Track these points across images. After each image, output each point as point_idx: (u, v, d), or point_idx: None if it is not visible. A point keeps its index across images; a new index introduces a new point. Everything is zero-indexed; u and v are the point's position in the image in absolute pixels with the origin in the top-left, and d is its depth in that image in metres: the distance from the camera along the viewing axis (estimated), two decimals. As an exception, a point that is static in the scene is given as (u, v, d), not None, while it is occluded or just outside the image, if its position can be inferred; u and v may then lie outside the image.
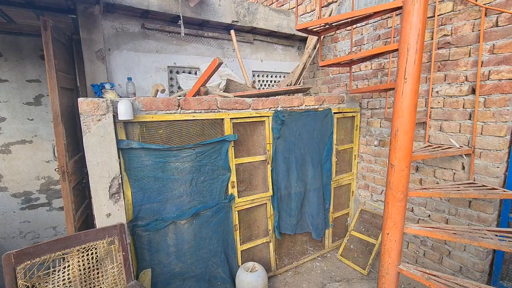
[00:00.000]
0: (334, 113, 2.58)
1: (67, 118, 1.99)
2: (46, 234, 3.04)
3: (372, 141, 2.80)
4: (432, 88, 2.23)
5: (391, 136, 1.63)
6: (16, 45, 2.65)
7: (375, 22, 2.65)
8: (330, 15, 2.98)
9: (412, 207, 2.48)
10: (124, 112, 1.55)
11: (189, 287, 2.01)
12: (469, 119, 2.04)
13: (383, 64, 2.63)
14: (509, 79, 1.80)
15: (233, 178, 2.11)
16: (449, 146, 2.14)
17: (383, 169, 2.73)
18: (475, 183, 1.98)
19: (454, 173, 2.16)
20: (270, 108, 2.21)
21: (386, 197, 1.71)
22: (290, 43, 3.49)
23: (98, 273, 1.55)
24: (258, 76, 3.41)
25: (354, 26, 2.77)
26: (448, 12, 2.09)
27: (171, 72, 2.78)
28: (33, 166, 2.87)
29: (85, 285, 1.50)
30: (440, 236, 1.65)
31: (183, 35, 2.55)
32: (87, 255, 1.51)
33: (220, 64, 1.97)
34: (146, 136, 1.75)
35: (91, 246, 1.53)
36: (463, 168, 2.10)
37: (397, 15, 2.39)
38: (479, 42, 1.92)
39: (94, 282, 1.53)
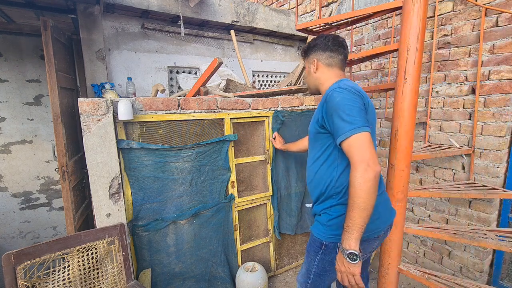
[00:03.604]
0: (334, 113, 2.58)
1: (67, 118, 1.99)
2: (46, 234, 3.04)
3: (372, 141, 2.80)
4: (432, 88, 2.23)
5: (391, 136, 1.64)
6: (16, 45, 2.65)
7: (375, 22, 2.65)
8: (330, 15, 2.98)
9: (412, 207, 2.48)
10: (124, 112, 1.55)
11: (189, 287, 2.01)
12: (469, 119, 2.04)
13: (383, 64, 2.63)
14: (509, 79, 1.80)
15: (233, 178, 2.11)
16: (449, 146, 2.14)
17: (383, 169, 2.73)
18: (475, 183, 1.98)
19: (454, 173, 2.16)
20: (270, 108, 2.21)
21: (386, 197, 1.71)
22: (290, 43, 3.49)
23: (98, 273, 1.55)
24: (258, 76, 3.41)
25: (354, 26, 2.77)
26: (448, 12, 2.09)
27: (171, 72, 2.78)
28: (33, 166, 2.87)
29: (85, 285, 1.50)
30: (440, 236, 1.65)
31: (183, 35, 2.55)
32: (87, 255, 1.51)
33: (220, 64, 1.97)
34: (146, 136, 1.75)
35: (91, 246, 1.53)
36: (463, 168, 2.10)
37: (397, 15, 2.39)
38: (479, 42, 1.92)
39: (94, 282, 1.53)
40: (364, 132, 1.03)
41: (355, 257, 1.01)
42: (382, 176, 1.30)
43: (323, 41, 1.32)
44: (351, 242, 1.01)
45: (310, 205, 1.50)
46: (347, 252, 1.02)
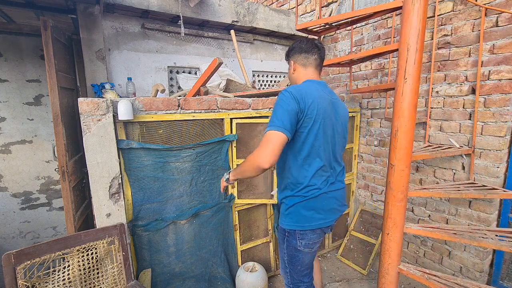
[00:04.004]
0: (334, 113, 2.58)
1: (67, 118, 1.99)
2: (46, 234, 3.04)
3: (372, 141, 2.80)
4: (432, 88, 2.23)
5: (391, 136, 1.63)
6: (16, 45, 2.65)
7: (375, 22, 2.65)
8: (330, 15, 2.98)
9: (412, 207, 2.48)
10: (124, 112, 1.55)
11: (189, 287, 2.01)
12: (469, 119, 2.04)
13: (383, 64, 2.63)
14: (509, 79, 1.80)
15: (233, 178, 2.11)
16: (449, 146, 2.14)
17: (383, 169, 2.73)
18: (475, 183, 1.98)
19: (454, 173, 2.16)
20: (270, 108, 2.21)
21: (386, 197, 1.71)
22: (290, 43, 3.49)
23: (98, 273, 1.55)
24: (258, 76, 3.41)
25: (354, 26, 2.77)
26: (448, 12, 2.09)
27: (171, 72, 2.78)
28: (33, 166, 2.87)
29: (85, 285, 1.50)
30: (440, 236, 1.65)
31: (183, 35, 2.55)
32: (87, 255, 1.51)
33: (220, 64, 1.97)
34: (146, 136, 1.75)
35: (91, 246, 1.54)
36: (463, 168, 2.10)
37: (397, 15, 2.39)
38: (479, 42, 1.92)
39: (94, 282, 1.53)
40: (277, 131, 1.18)
41: (226, 179, 1.48)
42: (330, 178, 1.44)
43: (299, 44, 1.46)
44: (230, 175, 1.45)
45: (273, 192, 1.71)
46: (226, 176, 1.48)
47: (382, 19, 2.59)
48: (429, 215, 2.37)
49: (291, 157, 1.37)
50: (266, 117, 2.20)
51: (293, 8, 3.44)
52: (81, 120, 1.51)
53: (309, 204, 1.37)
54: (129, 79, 2.36)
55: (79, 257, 1.48)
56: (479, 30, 1.91)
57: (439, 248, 2.32)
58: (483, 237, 1.59)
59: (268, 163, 1.17)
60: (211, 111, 1.94)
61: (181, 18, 2.42)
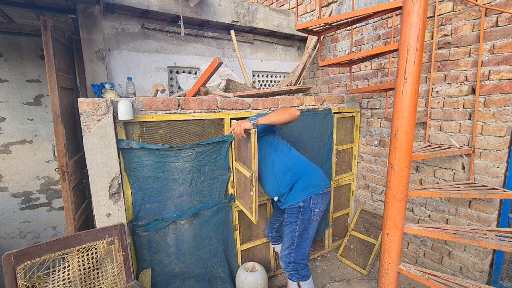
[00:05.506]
0: (334, 113, 2.58)
1: (67, 118, 1.99)
2: (46, 234, 3.04)
3: (372, 141, 2.80)
4: (432, 88, 2.23)
5: (391, 136, 1.64)
6: (16, 45, 2.65)
7: (375, 22, 2.65)
8: (330, 15, 2.98)
9: (412, 207, 2.48)
10: (124, 112, 1.55)
11: (189, 287, 2.01)
12: (469, 119, 2.04)
13: (383, 64, 2.63)
14: (509, 79, 1.80)
15: (233, 178, 2.11)
16: (449, 146, 2.14)
17: (383, 169, 2.73)
18: (475, 183, 1.98)
19: (454, 173, 2.16)
20: (270, 108, 2.21)
21: (386, 197, 1.71)
22: (290, 43, 3.49)
23: (98, 273, 1.55)
24: (258, 76, 3.41)
25: (354, 26, 2.77)
26: (448, 12, 2.09)
27: (171, 72, 2.78)
28: (33, 166, 2.87)
29: (85, 285, 1.50)
30: (440, 236, 1.65)
31: (183, 35, 2.55)
32: (87, 255, 1.51)
33: (220, 64, 1.97)
34: (146, 136, 1.75)
35: (91, 246, 1.54)
36: (463, 168, 2.10)
37: (397, 15, 2.39)
38: (479, 42, 1.92)
39: (94, 282, 1.53)
40: None
41: (253, 122, 1.61)
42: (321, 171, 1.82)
43: None
44: (259, 119, 1.63)
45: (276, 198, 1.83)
46: (254, 119, 1.62)
47: (382, 19, 2.59)
48: (429, 215, 2.37)
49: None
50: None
51: (293, 8, 3.44)
52: (81, 120, 1.51)
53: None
54: (129, 79, 2.36)
55: (79, 257, 1.48)
56: (479, 30, 1.91)
57: (439, 248, 2.32)
58: (483, 237, 1.59)
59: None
60: (211, 111, 1.94)
61: (181, 18, 2.42)
